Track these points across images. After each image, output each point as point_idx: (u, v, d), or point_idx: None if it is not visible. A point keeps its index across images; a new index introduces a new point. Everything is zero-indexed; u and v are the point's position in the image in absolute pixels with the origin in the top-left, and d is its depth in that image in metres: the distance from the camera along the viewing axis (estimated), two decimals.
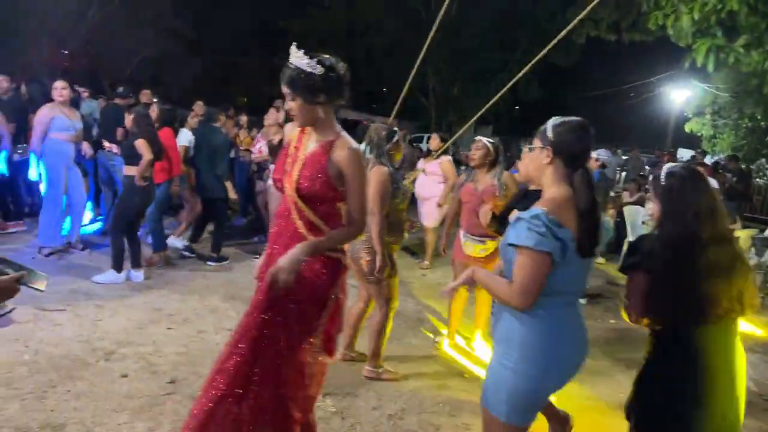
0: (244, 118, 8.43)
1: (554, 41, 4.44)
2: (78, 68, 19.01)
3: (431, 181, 7.43)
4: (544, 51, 4.51)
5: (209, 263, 6.43)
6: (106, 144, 6.42)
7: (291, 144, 2.57)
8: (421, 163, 7.81)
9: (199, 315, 4.92)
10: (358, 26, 21.43)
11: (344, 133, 2.48)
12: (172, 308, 5.02)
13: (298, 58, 2.32)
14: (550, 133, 2.17)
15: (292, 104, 2.40)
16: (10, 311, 2.07)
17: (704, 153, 14.50)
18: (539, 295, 2.04)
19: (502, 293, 2.11)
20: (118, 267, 5.44)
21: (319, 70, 2.31)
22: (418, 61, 5.31)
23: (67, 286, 5.18)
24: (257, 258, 6.42)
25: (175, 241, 6.80)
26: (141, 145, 5.29)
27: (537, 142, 2.20)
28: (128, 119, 5.41)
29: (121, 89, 7.19)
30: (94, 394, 3.48)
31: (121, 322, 4.62)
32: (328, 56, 2.36)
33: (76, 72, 18.76)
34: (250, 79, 23.53)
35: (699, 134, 18.99)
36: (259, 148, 7.41)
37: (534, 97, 22.15)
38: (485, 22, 20.30)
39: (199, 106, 7.67)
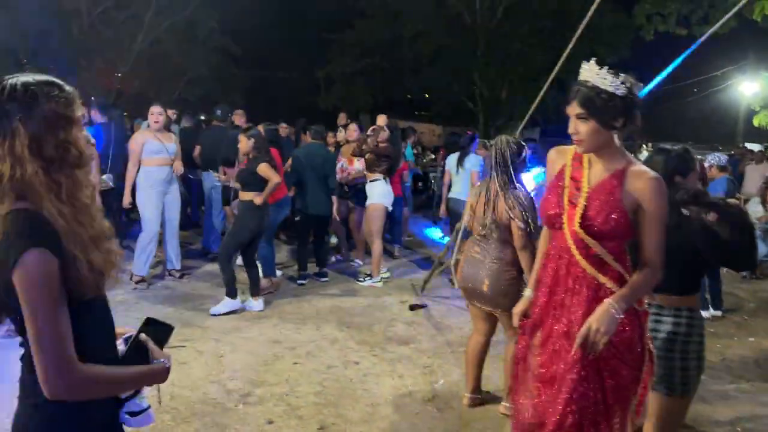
0: (330, 138, 8.23)
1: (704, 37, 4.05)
2: (129, 90, 19.17)
3: None
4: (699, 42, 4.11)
5: (320, 279, 6.39)
6: (216, 175, 6.22)
7: (563, 174, 2.26)
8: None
9: (321, 347, 4.63)
10: (403, 35, 21.14)
11: (635, 160, 2.17)
12: (291, 340, 4.74)
13: (598, 76, 2.05)
14: None
15: (581, 126, 2.09)
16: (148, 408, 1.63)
17: None
18: None
19: None
20: (232, 293, 5.22)
21: (622, 91, 2.04)
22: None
23: (179, 319, 4.95)
24: (362, 281, 6.26)
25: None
26: (265, 169, 5.12)
27: None
28: (245, 143, 5.20)
29: (218, 111, 7.08)
30: None
31: (244, 357, 4.36)
32: (626, 75, 2.07)
33: (129, 94, 18.97)
34: (296, 93, 23.44)
35: None
36: (341, 167, 7.15)
37: None
38: (533, 24, 19.84)
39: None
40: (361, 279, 6.46)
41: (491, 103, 23.25)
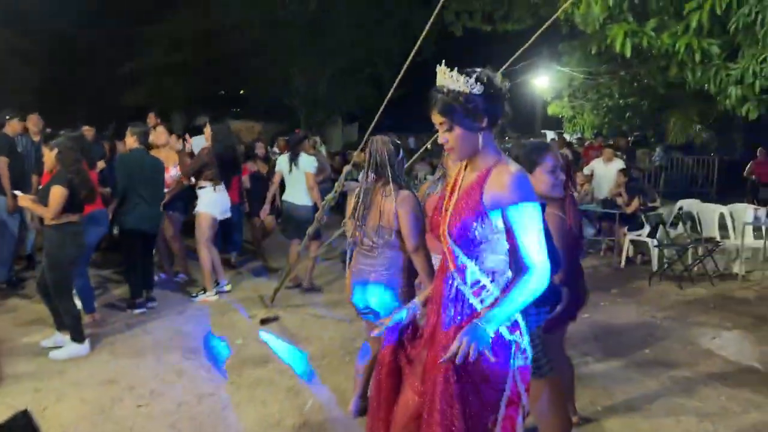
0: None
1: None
2: None
3: None
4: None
5: (149, 305, 5.58)
6: (18, 194, 5.05)
7: (450, 182, 2.14)
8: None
9: (166, 382, 4.07)
10: (216, 28, 20.15)
11: (507, 158, 2.01)
12: (129, 378, 4.11)
13: (450, 79, 1.92)
14: None
15: (447, 135, 1.98)
16: None
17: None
18: None
19: None
20: (78, 336, 4.42)
21: (478, 88, 1.91)
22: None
23: None
24: (195, 297, 5.67)
25: None
26: (54, 194, 4.19)
27: None
28: (49, 156, 4.35)
29: (7, 116, 5.81)
30: None
31: (74, 407, 3.68)
32: (480, 70, 1.95)
33: None
34: (99, 92, 21.24)
35: (561, 116, 20.27)
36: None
37: (400, 92, 22.07)
38: (348, 18, 20.02)
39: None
40: (194, 295, 5.86)
41: (309, 98, 23.11)
